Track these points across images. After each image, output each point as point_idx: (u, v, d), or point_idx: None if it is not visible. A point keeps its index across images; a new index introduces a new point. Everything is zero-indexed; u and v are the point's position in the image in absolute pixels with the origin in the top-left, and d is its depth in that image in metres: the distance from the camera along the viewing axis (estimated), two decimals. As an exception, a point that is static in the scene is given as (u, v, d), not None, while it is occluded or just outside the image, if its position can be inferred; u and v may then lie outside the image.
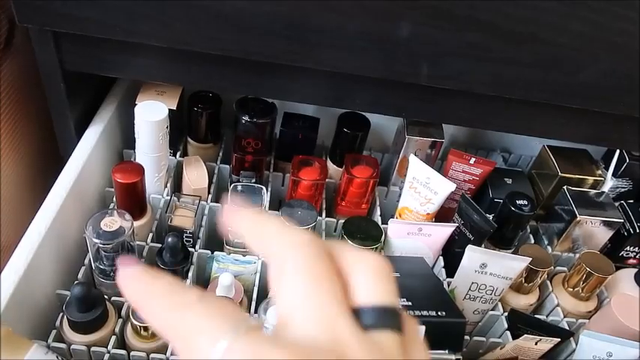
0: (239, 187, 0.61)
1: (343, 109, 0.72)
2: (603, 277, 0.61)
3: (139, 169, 0.57)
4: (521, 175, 0.75)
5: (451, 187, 0.65)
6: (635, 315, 0.55)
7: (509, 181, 0.73)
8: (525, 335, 0.52)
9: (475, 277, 0.60)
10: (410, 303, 0.45)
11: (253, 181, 0.68)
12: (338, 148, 0.74)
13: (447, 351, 0.45)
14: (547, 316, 0.63)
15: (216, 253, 0.62)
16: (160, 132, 0.61)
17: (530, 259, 0.59)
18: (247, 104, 0.70)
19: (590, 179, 0.70)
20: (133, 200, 0.59)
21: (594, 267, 0.61)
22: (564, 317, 0.62)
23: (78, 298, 0.49)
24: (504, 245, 0.70)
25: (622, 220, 0.65)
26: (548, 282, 0.66)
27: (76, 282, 0.53)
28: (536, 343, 0.52)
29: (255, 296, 0.59)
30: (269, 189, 0.70)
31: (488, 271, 0.59)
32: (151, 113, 0.60)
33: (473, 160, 0.68)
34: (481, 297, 0.61)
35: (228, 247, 0.64)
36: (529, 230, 0.73)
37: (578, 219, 0.65)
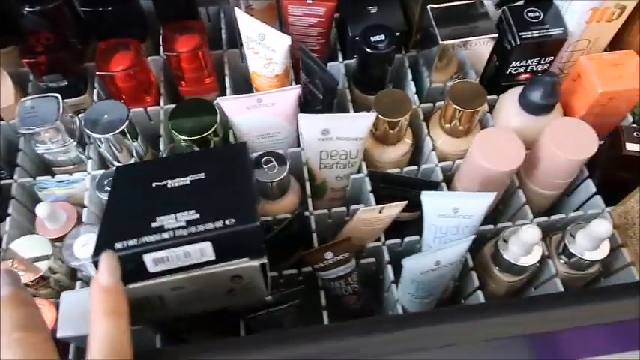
0: (28, 103, 0.51)
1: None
2: (472, 111, 0.52)
3: None
4: (390, -2, 0.61)
5: (286, 40, 0.53)
6: (499, 153, 0.47)
7: (373, 9, 0.60)
8: (362, 208, 0.46)
9: (321, 145, 0.52)
10: (198, 216, 0.39)
11: (64, 84, 0.57)
12: (161, 17, 0.61)
13: (247, 258, 0.39)
14: (419, 166, 0.56)
15: (38, 178, 0.55)
16: None
17: (374, 114, 0.49)
18: (26, -12, 0.56)
19: (466, -14, 0.56)
20: None
21: (463, 100, 0.52)
22: (440, 161, 0.55)
23: None
24: (377, 89, 0.60)
25: (494, 36, 0.53)
26: (424, 123, 0.58)
27: None
28: (380, 212, 0.46)
29: (86, 217, 0.53)
30: (96, 86, 0.60)
31: (334, 136, 0.51)
32: None
33: (309, -2, 0.55)
34: (336, 163, 0.54)
35: (55, 168, 0.57)
36: (407, 64, 0.62)
37: (441, 44, 0.53)
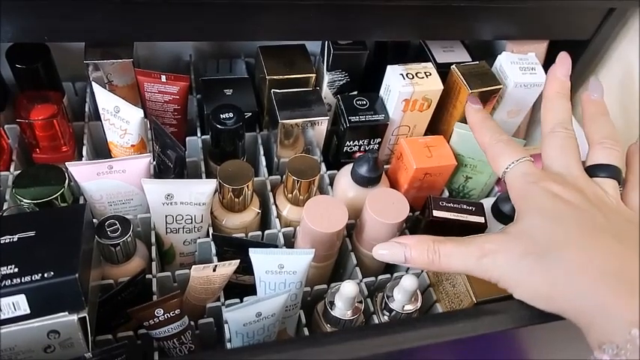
0: None
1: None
2: (309, 180, 0.58)
3: None
4: (244, 83, 0.69)
5: (139, 113, 0.57)
6: (325, 217, 0.53)
7: (229, 92, 0.67)
8: (195, 266, 0.49)
9: (166, 210, 0.55)
10: (16, 270, 0.39)
11: None
12: (22, 88, 0.63)
13: (65, 312, 0.40)
14: (263, 232, 0.60)
15: None
16: None
17: (214, 181, 0.54)
18: None
19: (305, 77, 0.65)
20: None
21: (299, 172, 0.58)
22: (282, 228, 0.60)
23: None
24: (231, 162, 0.65)
25: (326, 118, 0.62)
26: (270, 193, 0.63)
27: None
28: (214, 270, 0.49)
29: None
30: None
31: (178, 201, 0.54)
32: None
33: (164, 77, 0.61)
34: (182, 227, 0.57)
35: None
36: (260, 140, 0.68)
37: (280, 124, 0.60)
